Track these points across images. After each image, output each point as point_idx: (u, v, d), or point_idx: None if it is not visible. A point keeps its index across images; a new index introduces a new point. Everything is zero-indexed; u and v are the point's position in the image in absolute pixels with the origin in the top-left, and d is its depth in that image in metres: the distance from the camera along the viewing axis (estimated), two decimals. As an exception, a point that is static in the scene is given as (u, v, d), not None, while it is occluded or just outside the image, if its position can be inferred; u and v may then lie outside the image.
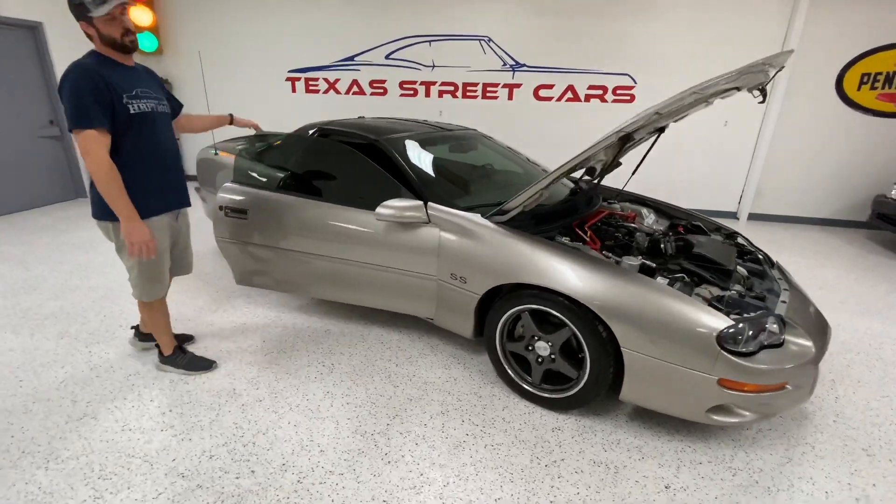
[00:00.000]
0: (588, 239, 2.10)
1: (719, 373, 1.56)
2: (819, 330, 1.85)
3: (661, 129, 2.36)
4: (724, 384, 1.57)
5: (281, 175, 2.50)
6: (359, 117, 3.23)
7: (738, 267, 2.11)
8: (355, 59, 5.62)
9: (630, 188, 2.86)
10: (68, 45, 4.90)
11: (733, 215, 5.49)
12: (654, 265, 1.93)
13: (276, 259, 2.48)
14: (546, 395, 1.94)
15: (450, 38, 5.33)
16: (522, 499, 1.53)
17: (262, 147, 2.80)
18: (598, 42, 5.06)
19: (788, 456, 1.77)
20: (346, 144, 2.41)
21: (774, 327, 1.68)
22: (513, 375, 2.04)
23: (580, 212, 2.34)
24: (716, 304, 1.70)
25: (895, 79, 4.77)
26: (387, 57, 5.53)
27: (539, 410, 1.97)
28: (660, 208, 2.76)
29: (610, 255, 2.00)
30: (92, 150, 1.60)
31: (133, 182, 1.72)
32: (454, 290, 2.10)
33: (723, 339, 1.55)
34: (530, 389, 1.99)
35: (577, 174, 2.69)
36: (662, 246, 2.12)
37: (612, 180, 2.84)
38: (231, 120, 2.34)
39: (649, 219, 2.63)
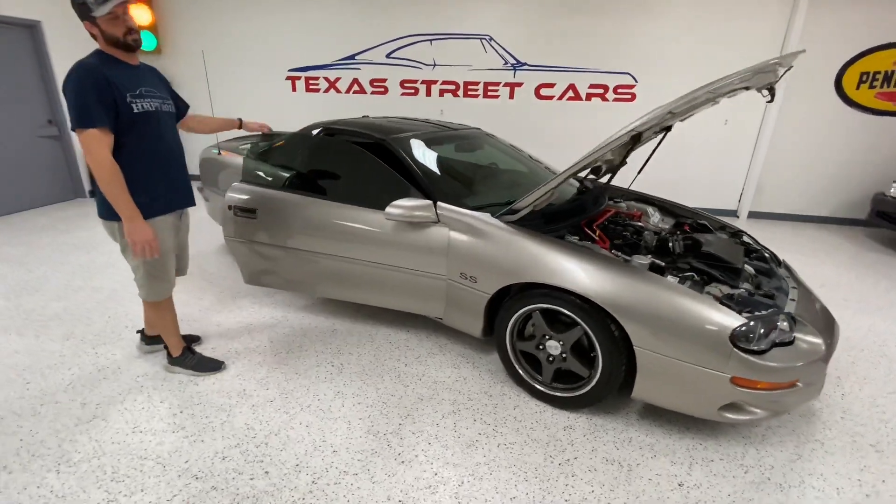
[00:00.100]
0: (597, 238, 2.11)
1: (732, 371, 1.57)
2: (827, 327, 1.87)
3: (668, 128, 2.37)
4: (737, 382, 1.58)
5: (290, 174, 2.50)
6: (363, 116, 3.22)
7: (746, 265, 2.13)
8: (356, 57, 5.60)
9: (625, 186, 2.86)
10: (67, 44, 4.86)
11: (733, 213, 5.51)
12: (663, 264, 1.94)
13: (285, 258, 2.47)
14: (558, 393, 1.95)
15: (451, 36, 5.32)
16: (538, 497, 1.54)
17: (269, 146, 2.79)
18: (599, 41, 5.07)
19: (798, 453, 1.78)
20: (353, 144, 2.41)
21: (785, 325, 1.69)
22: (523, 375, 2.04)
23: (588, 211, 2.35)
24: (727, 302, 1.71)
25: (894, 77, 4.80)
26: (387, 56, 5.52)
27: (550, 409, 1.98)
28: (665, 207, 2.77)
29: (619, 254, 2.01)
30: (94, 148, 1.60)
31: (136, 181, 1.72)
32: (464, 289, 2.10)
33: (735, 338, 1.56)
34: (541, 388, 1.99)
35: (583, 173, 2.70)
36: (671, 245, 2.13)
37: (614, 179, 2.85)
38: (240, 124, 2.33)
39: (655, 217, 2.64)
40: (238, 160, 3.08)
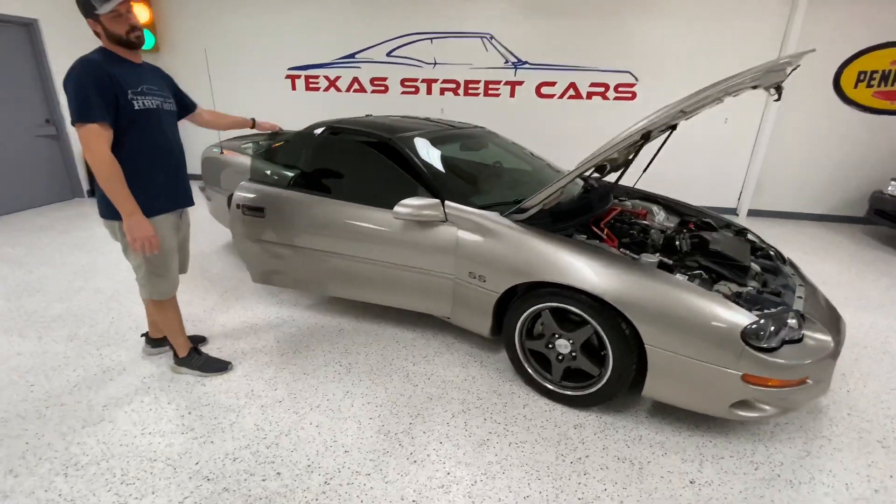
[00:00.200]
0: (605, 237, 2.11)
1: (744, 368, 1.57)
2: (834, 324, 1.88)
3: (674, 127, 2.37)
4: (749, 380, 1.58)
5: (298, 173, 2.49)
6: (366, 115, 3.21)
7: (752, 263, 2.13)
8: (356, 56, 5.58)
9: (629, 184, 2.86)
10: (65, 42, 4.81)
11: (733, 211, 5.54)
12: (671, 262, 1.94)
13: (293, 257, 2.47)
14: (568, 392, 1.95)
15: (451, 35, 5.31)
16: (551, 496, 1.54)
17: (269, 146, 2.77)
18: (600, 40, 5.07)
19: (807, 449, 1.79)
20: (361, 143, 2.40)
21: (794, 322, 1.70)
22: (532, 374, 2.04)
23: (595, 209, 2.35)
24: (736, 300, 1.72)
25: (891, 76, 4.84)
26: (388, 54, 5.50)
27: (559, 408, 1.98)
28: (669, 205, 2.78)
29: (627, 252, 2.01)
30: (93, 143, 1.59)
31: (136, 178, 1.70)
32: (472, 288, 2.10)
33: (747, 335, 1.57)
34: (551, 387, 1.99)
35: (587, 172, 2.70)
36: (677, 243, 2.13)
37: (615, 177, 2.84)
38: (253, 124, 2.31)
39: (659, 216, 2.64)
40: (240, 159, 3.06)
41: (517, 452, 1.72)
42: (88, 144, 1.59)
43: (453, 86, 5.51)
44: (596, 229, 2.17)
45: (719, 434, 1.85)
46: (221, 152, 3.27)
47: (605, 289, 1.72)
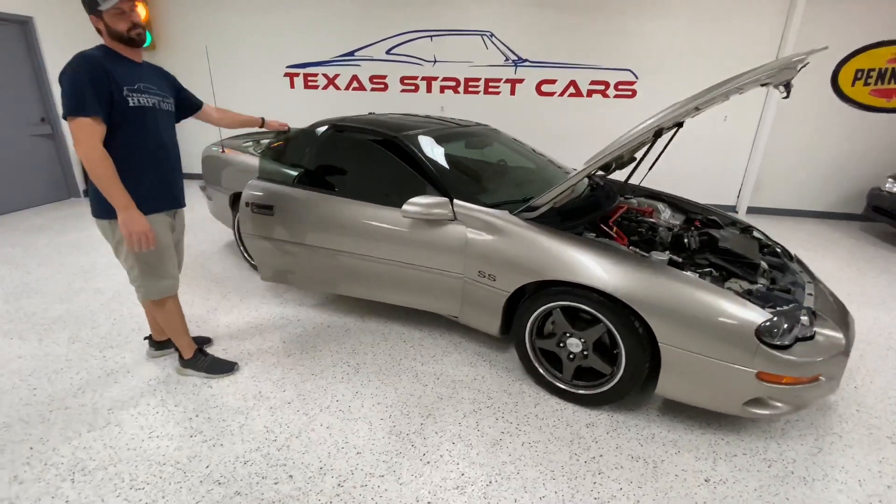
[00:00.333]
0: (615, 234, 2.10)
1: (758, 366, 1.57)
2: (843, 321, 1.88)
3: (680, 124, 2.36)
4: (763, 377, 1.58)
5: (306, 172, 2.47)
6: (369, 113, 3.18)
7: (761, 260, 2.13)
8: (355, 54, 5.54)
9: (630, 183, 2.85)
10: (60, 40, 4.73)
11: (732, 208, 5.56)
12: (680, 260, 1.94)
13: (302, 255, 2.45)
14: (580, 391, 1.94)
15: (451, 33, 5.29)
16: (567, 496, 1.53)
17: (269, 145, 2.74)
18: (600, 37, 5.07)
19: (819, 446, 1.80)
20: (368, 141, 2.38)
21: (805, 320, 1.70)
22: (543, 373, 2.03)
23: (603, 207, 2.34)
24: (748, 297, 1.71)
25: (888, 74, 4.87)
26: (387, 52, 5.46)
27: (570, 407, 1.97)
28: (673, 202, 2.77)
29: (637, 250, 2.00)
30: (84, 137, 1.56)
31: (129, 175, 1.67)
32: (482, 287, 2.08)
33: (761, 333, 1.57)
34: (562, 386, 1.98)
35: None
36: (686, 240, 2.13)
37: (616, 175, 2.83)
38: (262, 123, 2.29)
39: (665, 214, 2.64)
40: (241, 158, 3.03)
41: (531, 452, 1.71)
42: (79, 138, 1.56)
43: (453, 84, 5.49)
44: (605, 227, 2.16)
45: (731, 432, 1.85)
46: (222, 151, 3.24)
47: (618, 287, 1.72)
